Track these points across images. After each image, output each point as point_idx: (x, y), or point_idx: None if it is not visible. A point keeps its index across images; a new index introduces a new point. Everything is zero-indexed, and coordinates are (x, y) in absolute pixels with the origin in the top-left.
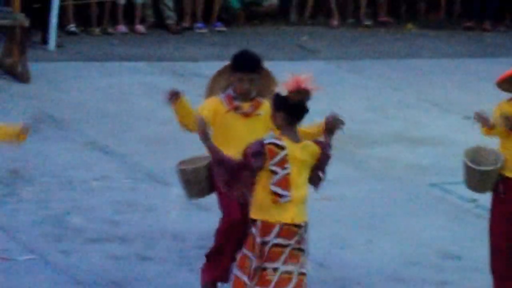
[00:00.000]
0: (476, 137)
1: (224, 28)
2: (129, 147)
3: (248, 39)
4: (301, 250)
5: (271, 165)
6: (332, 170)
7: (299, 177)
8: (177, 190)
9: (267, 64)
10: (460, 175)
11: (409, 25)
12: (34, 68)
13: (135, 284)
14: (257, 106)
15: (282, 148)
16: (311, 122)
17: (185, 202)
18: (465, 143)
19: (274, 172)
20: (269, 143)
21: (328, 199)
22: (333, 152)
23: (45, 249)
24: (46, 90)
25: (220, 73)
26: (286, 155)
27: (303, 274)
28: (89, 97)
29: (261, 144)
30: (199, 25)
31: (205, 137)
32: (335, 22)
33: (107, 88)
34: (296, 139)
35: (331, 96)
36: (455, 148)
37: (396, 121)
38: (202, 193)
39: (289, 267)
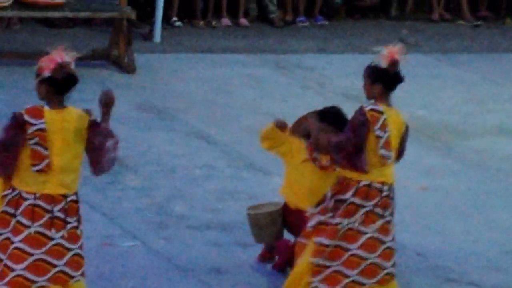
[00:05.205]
0: None
1: (325, 22)
2: (232, 137)
3: (349, 33)
4: (380, 216)
5: (375, 130)
6: (431, 161)
7: (394, 139)
8: (277, 180)
9: (368, 58)
10: None
11: (508, 20)
12: (139, 59)
13: (236, 271)
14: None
15: (381, 112)
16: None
17: None
18: None
19: (379, 137)
20: (370, 110)
21: (426, 188)
22: (433, 144)
23: (148, 235)
24: (151, 81)
25: (305, 117)
26: (385, 119)
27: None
28: (193, 88)
29: (363, 113)
30: (301, 19)
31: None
32: (435, 16)
33: (211, 79)
34: (390, 104)
35: (431, 89)
36: None
37: (495, 114)
38: (264, 238)
39: (362, 228)
